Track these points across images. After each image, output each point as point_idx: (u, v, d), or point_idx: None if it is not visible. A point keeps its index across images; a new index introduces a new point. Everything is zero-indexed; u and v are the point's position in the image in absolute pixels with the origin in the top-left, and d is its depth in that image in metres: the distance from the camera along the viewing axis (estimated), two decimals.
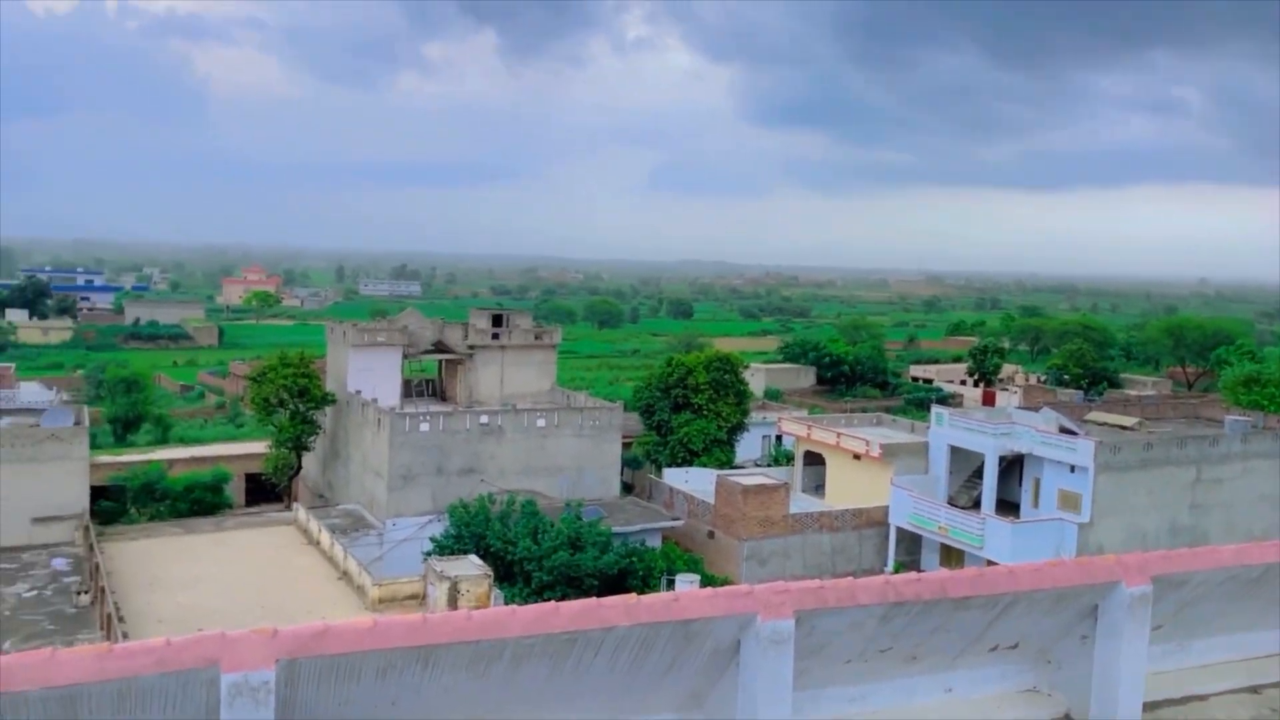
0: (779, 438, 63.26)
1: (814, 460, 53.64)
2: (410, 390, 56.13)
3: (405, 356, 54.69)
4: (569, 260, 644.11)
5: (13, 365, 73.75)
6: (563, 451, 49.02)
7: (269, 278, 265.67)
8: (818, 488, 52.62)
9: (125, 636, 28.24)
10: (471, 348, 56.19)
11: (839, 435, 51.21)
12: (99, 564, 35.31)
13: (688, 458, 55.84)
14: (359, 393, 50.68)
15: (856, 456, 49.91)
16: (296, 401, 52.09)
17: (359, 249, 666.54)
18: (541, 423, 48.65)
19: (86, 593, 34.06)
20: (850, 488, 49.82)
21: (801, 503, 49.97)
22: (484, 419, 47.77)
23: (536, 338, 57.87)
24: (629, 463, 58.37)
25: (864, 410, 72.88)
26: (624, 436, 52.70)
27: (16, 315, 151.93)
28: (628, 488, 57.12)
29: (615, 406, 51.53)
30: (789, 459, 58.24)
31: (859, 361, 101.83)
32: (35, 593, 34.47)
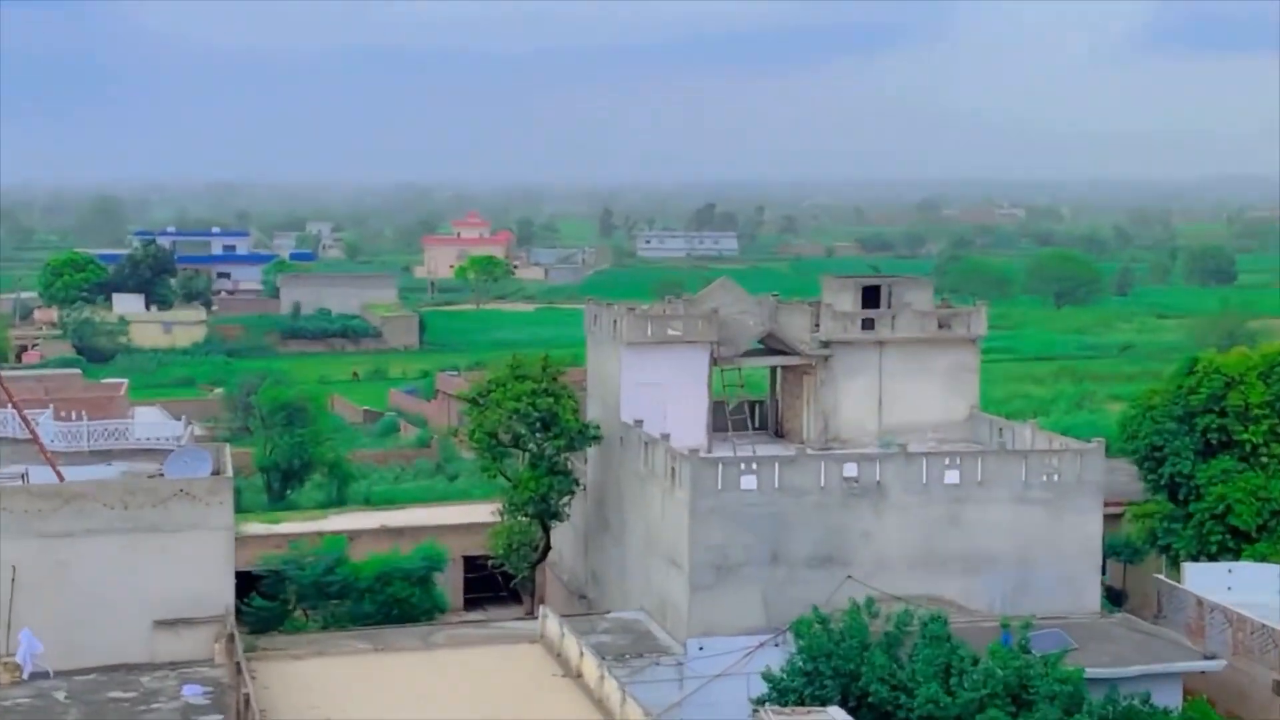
0: None
1: None
2: (724, 420, 57.66)
3: (715, 362, 56.27)
4: (994, 185, 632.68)
5: (124, 383, 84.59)
6: (993, 529, 48.35)
7: (494, 234, 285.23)
8: None
9: None
10: (826, 344, 56.82)
11: None
12: (249, 696, 39.35)
13: (1230, 543, 53.75)
14: (639, 424, 52.85)
15: None
16: (539, 438, 55.27)
17: (634, 182, 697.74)
18: (954, 477, 48.23)
19: None
20: None
21: None
22: (850, 470, 48.14)
23: (942, 325, 57.47)
24: (1118, 551, 56.86)
25: None
26: (1107, 503, 51.15)
27: (128, 304, 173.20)
28: (1115, 596, 55.11)
29: (1091, 448, 49.97)
30: None
31: None
32: None
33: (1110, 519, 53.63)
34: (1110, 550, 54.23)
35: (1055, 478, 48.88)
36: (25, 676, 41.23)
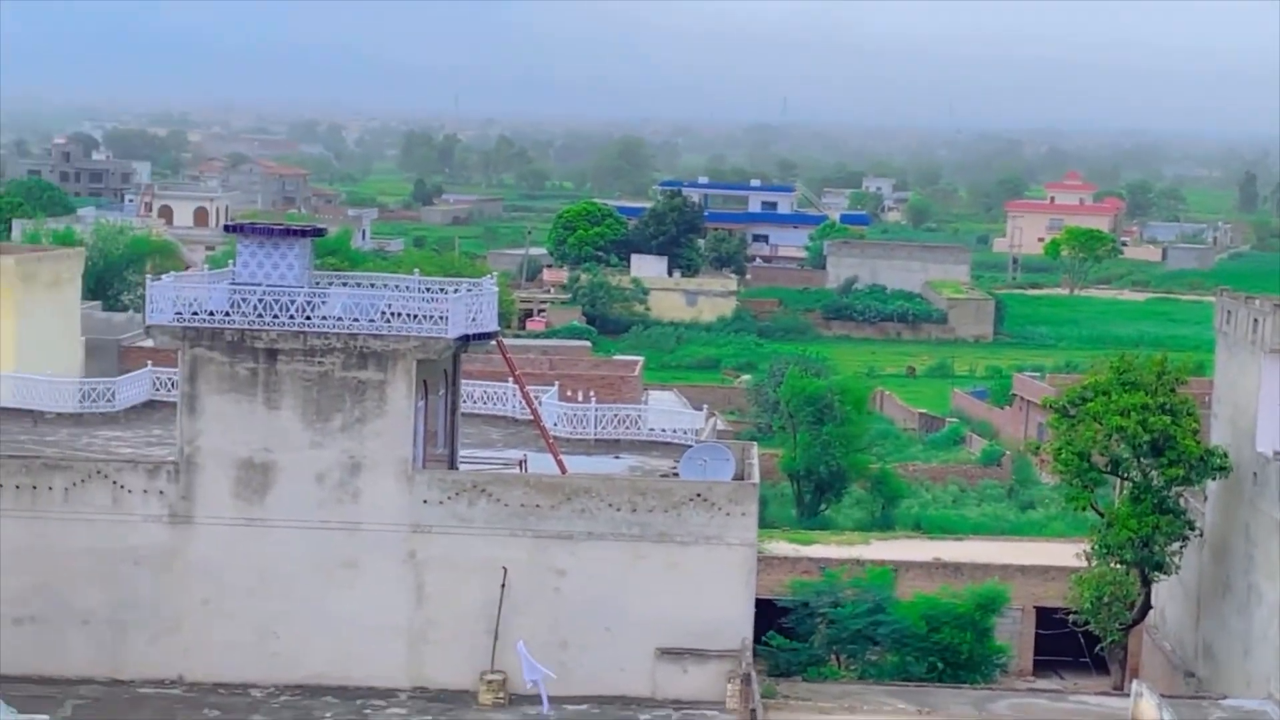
0: None
1: None
2: None
3: None
4: None
5: (639, 361, 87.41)
6: None
7: (1099, 201, 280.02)
8: None
9: None
10: None
11: None
12: None
13: None
14: (1278, 455, 50.70)
15: None
16: (1147, 465, 53.91)
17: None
18: None
19: None
20: None
21: None
22: None
23: None
24: None
25: None
26: None
27: (648, 266, 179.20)
28: None
29: None
30: None
31: None
32: None
33: None
34: None
35: None
36: (546, 710, 43.14)
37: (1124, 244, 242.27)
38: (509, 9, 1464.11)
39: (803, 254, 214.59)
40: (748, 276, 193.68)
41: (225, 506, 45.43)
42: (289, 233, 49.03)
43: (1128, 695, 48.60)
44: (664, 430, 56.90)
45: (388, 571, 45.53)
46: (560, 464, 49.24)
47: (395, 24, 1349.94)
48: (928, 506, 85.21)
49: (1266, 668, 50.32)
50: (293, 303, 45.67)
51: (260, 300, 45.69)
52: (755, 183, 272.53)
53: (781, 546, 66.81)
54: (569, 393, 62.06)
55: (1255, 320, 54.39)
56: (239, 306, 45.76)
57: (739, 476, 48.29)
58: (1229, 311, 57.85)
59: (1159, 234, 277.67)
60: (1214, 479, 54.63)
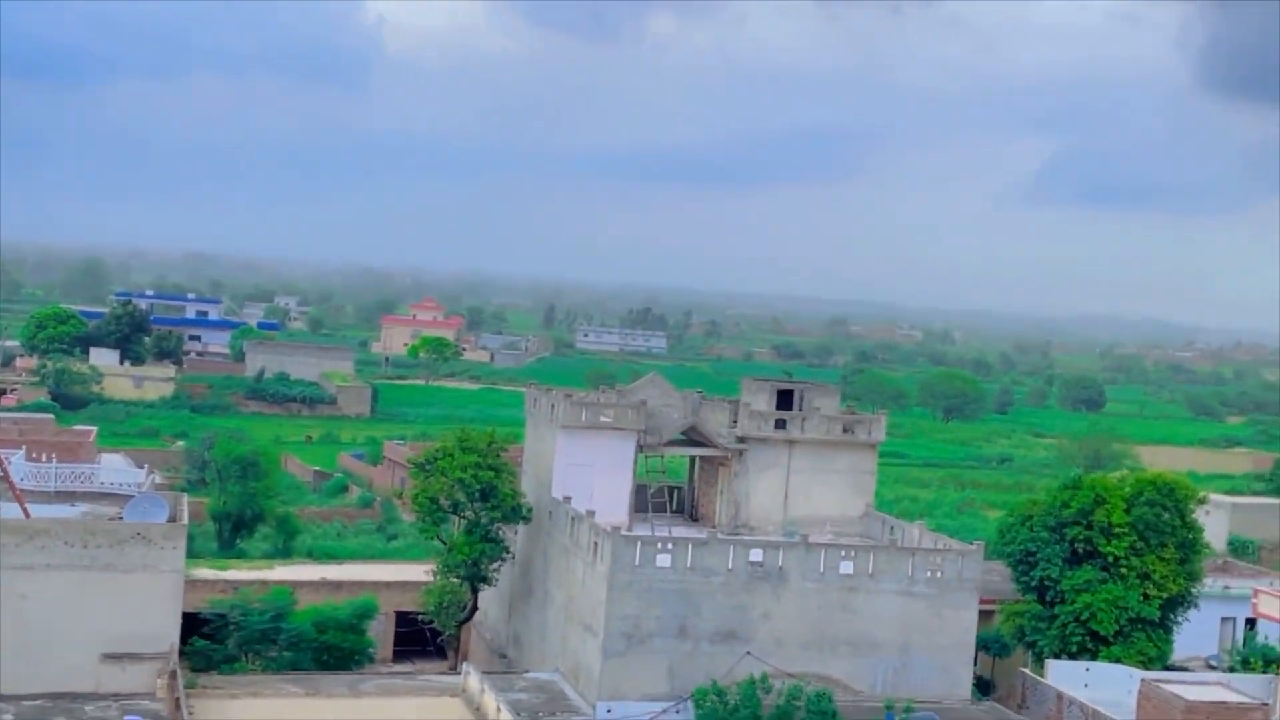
0: (1252, 622, 60.81)
1: None
2: (646, 501, 57.42)
3: (641, 449, 56.17)
4: (897, 308, 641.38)
5: (93, 430, 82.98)
6: (880, 617, 48.33)
7: (447, 318, 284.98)
8: None
9: None
10: (742, 439, 56.87)
11: None
12: None
13: (1090, 644, 53.88)
14: (567, 500, 52.52)
15: None
16: (477, 507, 54.78)
17: (578, 280, 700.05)
18: (848, 567, 48.20)
19: None
20: None
21: None
22: (756, 555, 48.04)
23: (846, 429, 57.78)
24: (989, 645, 57.01)
25: None
26: (982, 600, 51.46)
27: (104, 357, 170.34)
28: (984, 686, 55.11)
29: (971, 550, 50.28)
30: (1271, 661, 55.04)
31: None
32: None
33: (984, 615, 53.78)
34: (981, 643, 54.26)
35: (938, 574, 49.07)
36: None
37: (464, 349, 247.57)
38: None
39: (227, 350, 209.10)
40: (184, 366, 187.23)
41: None
42: None
43: (460, 673, 49.22)
44: (113, 484, 54.19)
45: None
46: (25, 510, 46.08)
47: None
48: (319, 539, 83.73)
49: (555, 649, 51.91)
50: None
51: None
52: (191, 295, 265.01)
53: (205, 571, 64.12)
54: (34, 455, 58.07)
55: (552, 405, 56.54)
56: None
57: (172, 519, 46.67)
58: (535, 399, 59.81)
59: (489, 342, 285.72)
60: (526, 520, 56.10)
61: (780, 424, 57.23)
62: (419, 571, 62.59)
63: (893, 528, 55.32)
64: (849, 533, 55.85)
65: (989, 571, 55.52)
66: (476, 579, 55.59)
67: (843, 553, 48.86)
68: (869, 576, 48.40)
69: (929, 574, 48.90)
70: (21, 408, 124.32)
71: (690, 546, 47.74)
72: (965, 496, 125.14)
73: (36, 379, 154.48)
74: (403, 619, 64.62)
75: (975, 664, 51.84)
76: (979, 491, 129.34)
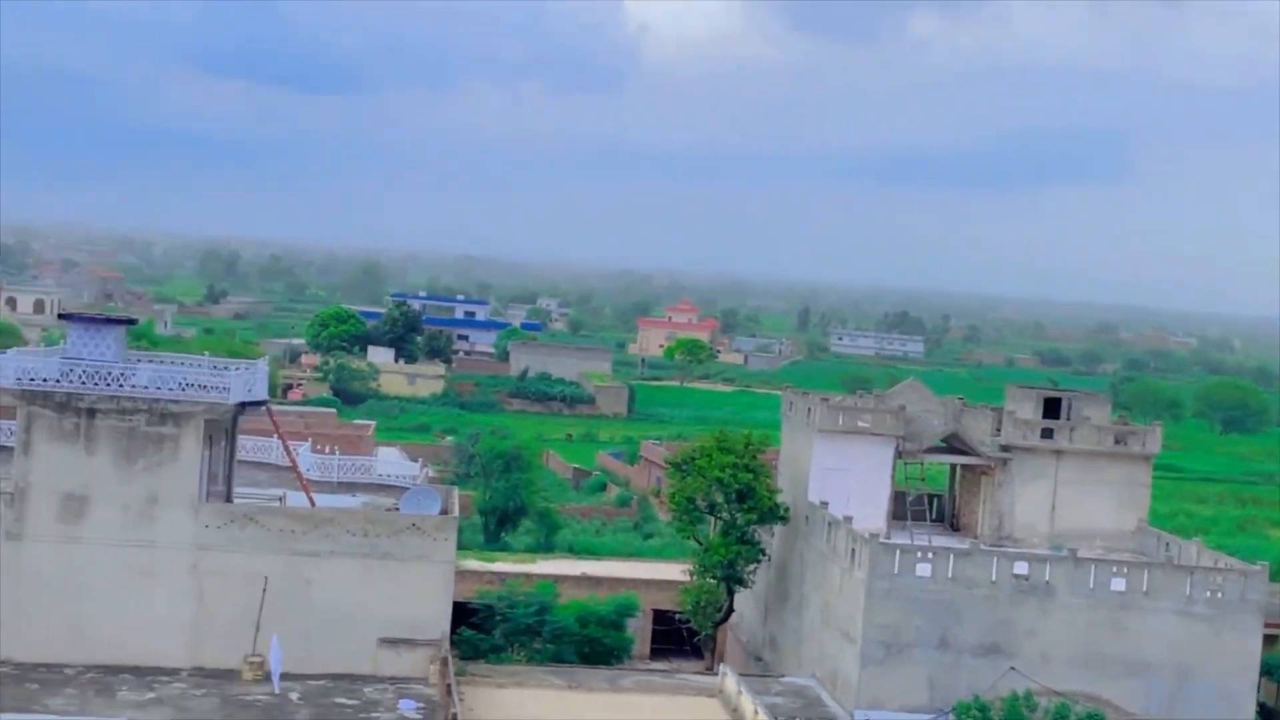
0: None
1: None
2: (905, 509, 56.58)
3: (899, 455, 55.39)
4: (1171, 314, 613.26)
5: (371, 424, 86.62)
6: (1155, 637, 46.49)
7: (701, 320, 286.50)
8: None
9: None
10: (1006, 449, 55.44)
11: None
12: (456, 716, 39.68)
13: None
14: (824, 505, 52.17)
15: None
16: (734, 509, 54.94)
17: (833, 283, 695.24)
18: (1120, 584, 46.46)
19: None
20: None
21: None
22: (1021, 567, 46.74)
23: (1117, 440, 55.66)
24: (1271, 670, 54.08)
25: None
26: (1268, 623, 48.72)
27: (380, 355, 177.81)
28: (1268, 714, 52.40)
29: (1255, 570, 47.69)
30: None
31: None
32: None
33: (1268, 640, 50.89)
34: (1265, 668, 51.47)
35: (1219, 594, 46.75)
36: (276, 690, 41.96)
37: (718, 351, 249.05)
38: None
39: (493, 350, 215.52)
40: (453, 365, 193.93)
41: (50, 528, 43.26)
42: (109, 321, 47.46)
43: (716, 674, 49.44)
44: (390, 476, 56.57)
45: (176, 579, 43.90)
46: (311, 499, 48.47)
47: None
48: (578, 535, 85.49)
49: (812, 654, 51.64)
50: (110, 374, 43.96)
51: (84, 371, 43.89)
52: (460, 297, 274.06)
53: (473, 563, 66.21)
54: (319, 447, 61.13)
55: (809, 409, 56.26)
56: (68, 375, 43.81)
57: (444, 511, 48.20)
58: (791, 402, 59.63)
59: (743, 345, 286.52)
60: (780, 523, 56.02)
61: (1047, 433, 55.48)
62: (675, 571, 63.16)
63: (1168, 544, 52.98)
64: (1120, 548, 53.76)
65: (1275, 594, 52.57)
66: (733, 580, 55.74)
67: (1114, 569, 47.12)
68: (1143, 594, 46.51)
69: (1209, 594, 46.64)
70: (306, 402, 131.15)
71: (952, 556, 46.80)
72: (1246, 514, 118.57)
73: (320, 375, 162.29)
74: (660, 617, 65.32)
75: (1259, 690, 49.14)
76: (1261, 509, 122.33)
